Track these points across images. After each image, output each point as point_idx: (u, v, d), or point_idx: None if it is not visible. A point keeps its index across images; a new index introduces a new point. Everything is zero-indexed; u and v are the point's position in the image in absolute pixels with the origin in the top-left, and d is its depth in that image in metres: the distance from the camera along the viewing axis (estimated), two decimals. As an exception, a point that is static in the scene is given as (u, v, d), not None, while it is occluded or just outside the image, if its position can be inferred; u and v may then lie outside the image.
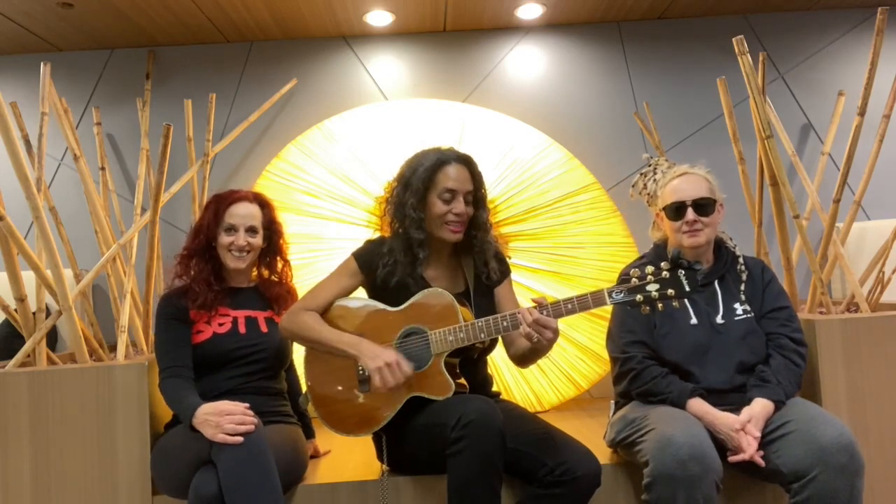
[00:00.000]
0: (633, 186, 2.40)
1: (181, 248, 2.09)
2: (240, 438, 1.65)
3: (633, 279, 1.69)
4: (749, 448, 1.73)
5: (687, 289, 1.65)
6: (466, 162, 1.97)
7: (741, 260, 2.04)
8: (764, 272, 2.04)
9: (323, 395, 1.95)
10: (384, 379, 1.77)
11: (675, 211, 1.98)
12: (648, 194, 2.29)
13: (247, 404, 1.75)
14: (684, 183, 2.00)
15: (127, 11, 2.93)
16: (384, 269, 1.93)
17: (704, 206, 1.96)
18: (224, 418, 1.68)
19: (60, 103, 2.59)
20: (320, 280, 2.03)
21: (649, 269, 1.69)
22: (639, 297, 1.68)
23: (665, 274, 1.67)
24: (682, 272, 1.66)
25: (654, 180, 2.26)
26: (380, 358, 1.78)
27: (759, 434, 1.75)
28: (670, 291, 1.66)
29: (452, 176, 1.92)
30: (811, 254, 2.34)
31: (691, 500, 1.64)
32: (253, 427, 1.68)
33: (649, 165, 2.39)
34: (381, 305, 1.94)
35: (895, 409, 2.09)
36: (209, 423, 1.69)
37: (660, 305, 1.67)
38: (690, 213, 1.95)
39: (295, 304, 2.01)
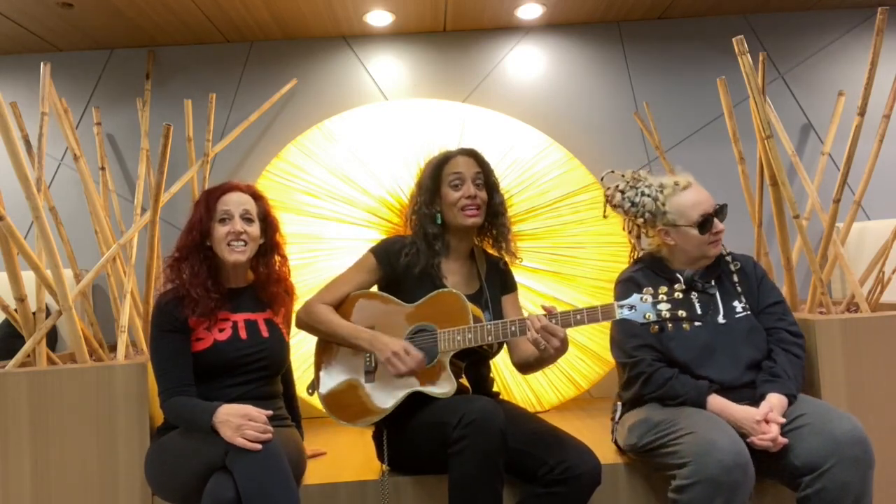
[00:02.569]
0: (613, 207, 2.10)
1: (172, 251, 1.94)
2: (259, 446, 1.63)
3: (646, 296, 1.68)
4: (772, 431, 1.74)
5: (699, 312, 1.63)
6: (471, 153, 2.06)
7: (730, 258, 2.05)
8: (756, 268, 2.06)
9: (329, 383, 1.99)
10: (396, 367, 1.82)
11: (703, 224, 1.95)
12: (648, 212, 2.04)
13: (270, 411, 1.73)
14: (699, 195, 1.99)
15: (127, 11, 2.93)
16: (406, 258, 1.99)
17: (721, 212, 1.99)
18: (247, 423, 1.66)
19: (60, 103, 2.58)
20: (338, 274, 2.08)
21: (662, 288, 1.68)
22: (648, 314, 1.67)
23: (678, 295, 1.65)
24: (695, 295, 1.64)
25: (648, 196, 2.03)
26: (388, 348, 1.84)
27: (783, 421, 1.77)
28: (681, 313, 1.64)
29: (456, 163, 2.02)
30: (811, 254, 2.33)
31: None
32: (271, 436, 1.66)
33: (632, 178, 2.11)
34: (394, 300, 1.98)
35: (895, 409, 2.09)
36: (230, 423, 1.66)
37: (669, 326, 1.65)
38: (718, 224, 1.96)
39: (312, 297, 2.04)
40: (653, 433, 1.87)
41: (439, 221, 2.01)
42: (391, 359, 1.82)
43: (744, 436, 1.77)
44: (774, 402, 1.81)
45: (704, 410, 1.84)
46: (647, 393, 1.93)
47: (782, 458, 1.76)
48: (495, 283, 2.09)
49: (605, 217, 2.16)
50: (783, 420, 1.77)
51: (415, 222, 2.05)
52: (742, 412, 1.80)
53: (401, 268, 1.99)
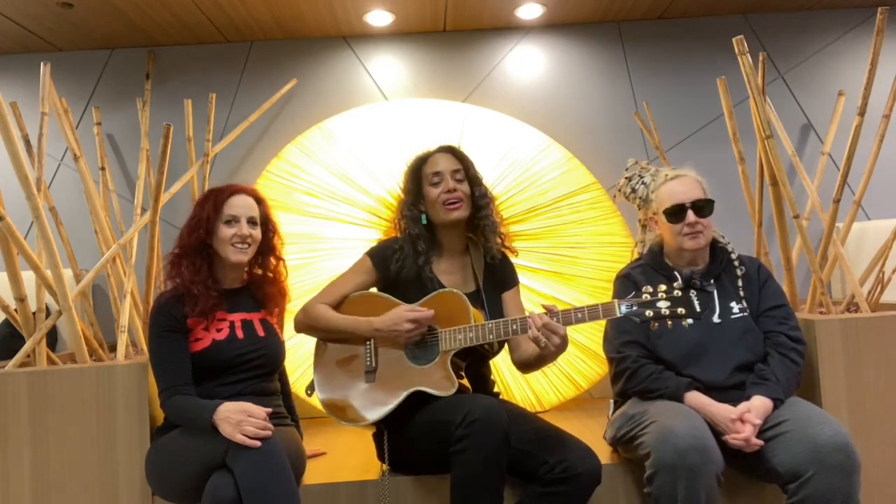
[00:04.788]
0: (618, 190, 2.38)
1: (174, 247, 1.97)
2: (258, 443, 1.64)
3: (646, 295, 1.70)
4: (745, 431, 1.74)
5: (698, 310, 1.66)
6: (448, 149, 2.09)
7: (735, 257, 2.05)
8: (760, 270, 2.05)
9: (328, 383, 1.99)
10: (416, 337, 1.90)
11: (675, 214, 1.97)
12: (640, 198, 2.26)
13: (270, 409, 1.74)
14: (680, 185, 2.01)
15: (127, 11, 2.93)
16: (396, 263, 2.01)
17: (703, 208, 1.97)
18: (246, 419, 1.67)
19: (60, 103, 2.59)
20: (335, 277, 2.08)
21: (662, 286, 1.70)
22: (649, 312, 1.69)
23: (677, 293, 1.68)
24: (693, 293, 1.67)
25: (644, 184, 2.25)
26: (400, 328, 1.88)
27: (758, 422, 1.76)
28: (680, 311, 1.66)
29: (435, 162, 2.05)
30: (811, 254, 2.34)
31: (692, 491, 1.64)
32: (271, 433, 1.67)
33: (641, 168, 2.37)
34: (395, 300, 1.99)
35: (895, 409, 2.10)
36: (230, 420, 1.67)
37: (669, 323, 1.68)
38: (691, 215, 1.95)
39: (310, 300, 2.05)
40: (628, 425, 1.90)
41: (424, 221, 2.04)
42: (409, 334, 1.87)
43: (720, 434, 1.78)
44: (756, 403, 1.80)
45: (679, 403, 1.84)
46: (630, 388, 1.95)
47: (766, 463, 1.76)
48: (493, 281, 2.08)
49: (614, 198, 2.30)
50: (759, 422, 1.76)
51: (402, 226, 2.08)
52: (719, 409, 1.80)
53: (393, 273, 2.01)
